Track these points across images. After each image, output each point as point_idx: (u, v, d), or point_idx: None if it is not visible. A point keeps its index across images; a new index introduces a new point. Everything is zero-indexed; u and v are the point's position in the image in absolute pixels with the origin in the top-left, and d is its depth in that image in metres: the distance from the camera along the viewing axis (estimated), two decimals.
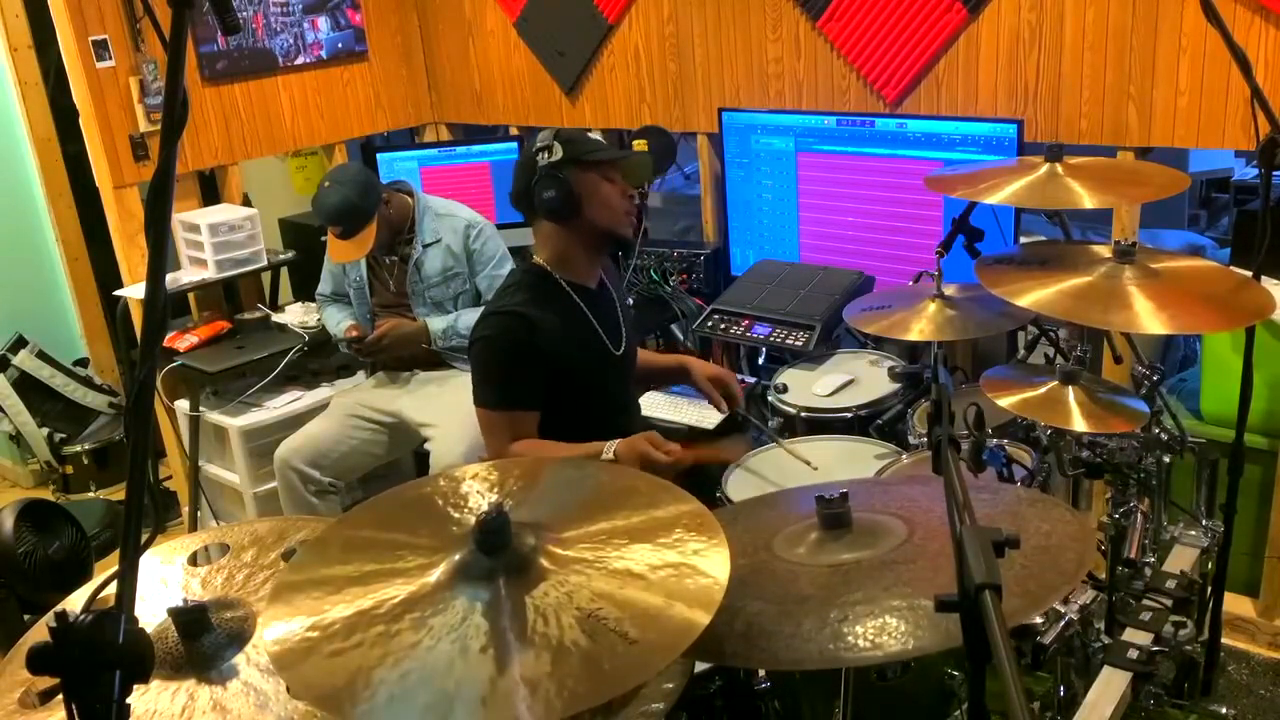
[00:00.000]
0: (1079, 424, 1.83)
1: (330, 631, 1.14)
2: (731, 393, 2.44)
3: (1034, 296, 1.83)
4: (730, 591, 1.15)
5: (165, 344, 3.36)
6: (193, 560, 1.49)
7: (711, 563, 1.19)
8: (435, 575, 1.19)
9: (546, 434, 2.25)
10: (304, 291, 3.81)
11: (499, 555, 1.18)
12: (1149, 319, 1.76)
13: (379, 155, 3.85)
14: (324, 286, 3.43)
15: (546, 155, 2.16)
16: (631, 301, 3.31)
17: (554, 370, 2.20)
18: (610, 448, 2.11)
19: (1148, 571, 2.01)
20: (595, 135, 2.26)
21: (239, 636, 1.30)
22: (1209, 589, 2.20)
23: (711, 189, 3.57)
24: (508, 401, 2.19)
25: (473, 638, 1.10)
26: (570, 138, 2.18)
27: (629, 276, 3.33)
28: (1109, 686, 1.70)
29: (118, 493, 4.12)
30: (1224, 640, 2.52)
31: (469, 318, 3.16)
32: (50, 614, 0.91)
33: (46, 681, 1.20)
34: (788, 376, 2.70)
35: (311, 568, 1.26)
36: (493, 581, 1.16)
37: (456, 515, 1.32)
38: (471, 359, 2.27)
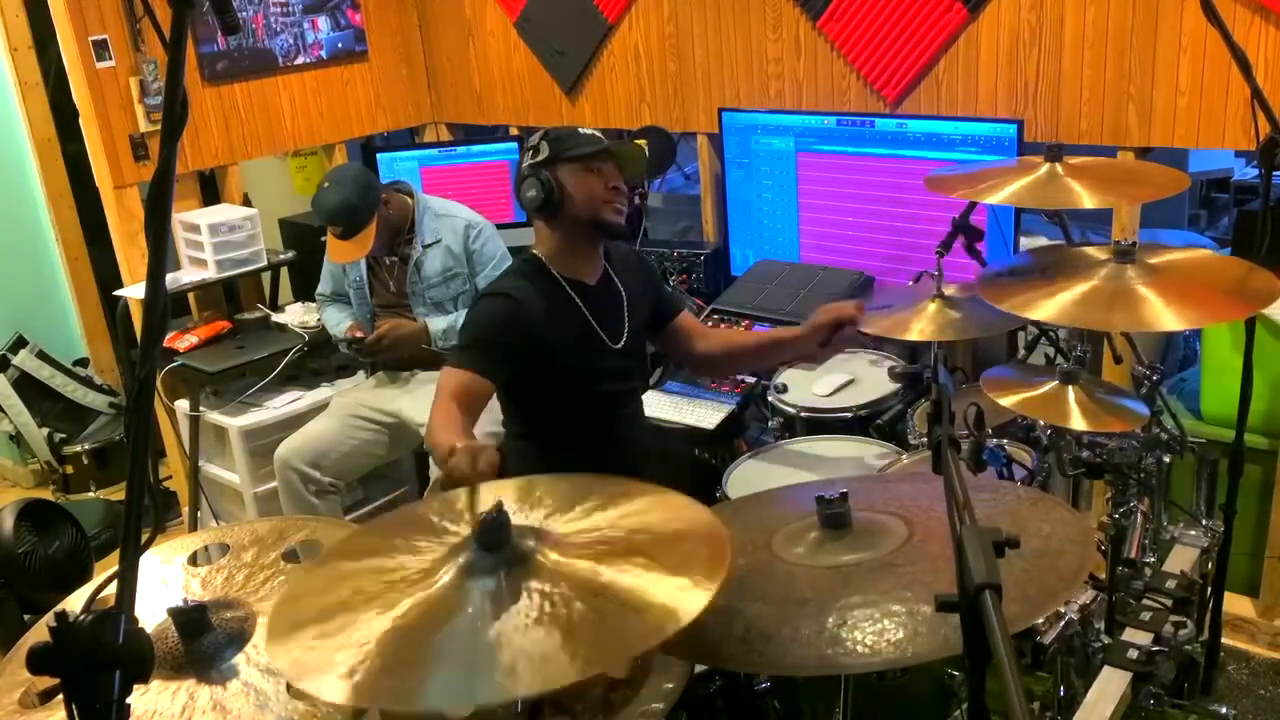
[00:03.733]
0: (1079, 424, 1.82)
1: (335, 633, 1.14)
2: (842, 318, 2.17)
3: (1042, 309, 1.79)
4: (729, 593, 1.15)
5: (165, 344, 3.36)
6: (193, 560, 1.49)
7: (710, 550, 1.19)
8: (440, 577, 1.19)
9: (544, 433, 2.25)
10: (304, 291, 3.80)
11: (500, 552, 1.18)
12: (1160, 315, 1.73)
13: (379, 155, 3.85)
14: (324, 286, 3.43)
15: (533, 155, 2.17)
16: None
17: (536, 354, 2.16)
18: (455, 447, 1.63)
19: (1148, 571, 2.01)
20: (590, 131, 2.23)
21: (239, 636, 1.30)
22: (1209, 589, 2.21)
23: (711, 189, 3.57)
24: (466, 361, 2.14)
25: (479, 618, 1.10)
26: (558, 135, 2.19)
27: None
28: (1109, 686, 1.70)
29: (118, 493, 4.12)
30: (1224, 640, 2.51)
31: None
32: (50, 614, 0.91)
33: (46, 681, 1.19)
34: (788, 376, 2.70)
35: (309, 594, 1.25)
36: (495, 574, 1.17)
37: (453, 528, 1.32)
38: (458, 337, 2.31)
